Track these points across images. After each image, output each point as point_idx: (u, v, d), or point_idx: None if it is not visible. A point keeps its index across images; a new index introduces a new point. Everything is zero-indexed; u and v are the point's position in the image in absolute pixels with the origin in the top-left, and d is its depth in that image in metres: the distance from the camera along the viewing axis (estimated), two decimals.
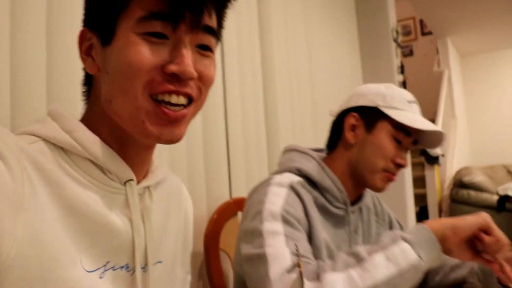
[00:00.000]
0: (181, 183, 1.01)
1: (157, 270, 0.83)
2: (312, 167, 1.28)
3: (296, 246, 1.02)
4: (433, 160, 4.69)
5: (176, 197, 0.96)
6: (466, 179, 4.64)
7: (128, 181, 0.77)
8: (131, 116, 0.72)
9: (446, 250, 1.04)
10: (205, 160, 1.68)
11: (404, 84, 3.76)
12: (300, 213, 1.17)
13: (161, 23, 0.69)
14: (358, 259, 1.00)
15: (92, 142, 0.72)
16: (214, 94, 1.71)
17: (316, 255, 1.16)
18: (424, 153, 4.73)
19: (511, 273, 1.00)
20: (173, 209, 0.93)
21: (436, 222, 1.05)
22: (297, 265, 0.97)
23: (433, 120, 5.41)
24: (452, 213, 4.71)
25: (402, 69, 3.74)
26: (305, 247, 1.10)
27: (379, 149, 1.26)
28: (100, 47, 0.72)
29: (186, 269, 0.99)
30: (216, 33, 0.77)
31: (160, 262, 0.84)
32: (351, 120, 1.31)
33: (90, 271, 0.68)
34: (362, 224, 1.38)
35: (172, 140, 0.74)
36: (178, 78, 0.70)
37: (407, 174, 3.61)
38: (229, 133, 1.83)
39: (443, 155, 4.77)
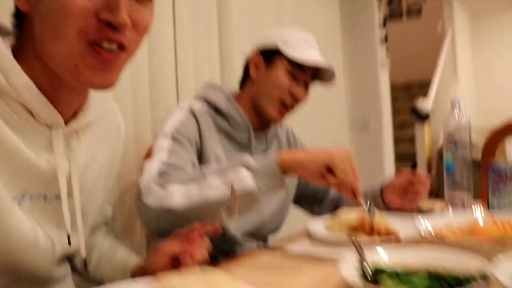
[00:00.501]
0: (116, 113, 1.06)
1: (76, 200, 0.88)
2: (219, 98, 1.47)
3: (168, 156, 1.23)
4: (422, 118, 4.78)
5: (109, 128, 1.01)
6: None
7: (53, 126, 0.80)
8: (64, 60, 0.73)
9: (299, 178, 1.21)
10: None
11: (386, 39, 3.84)
12: (191, 132, 1.35)
13: None
14: (201, 176, 1.12)
15: (24, 86, 0.74)
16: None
17: (207, 164, 1.34)
18: (414, 111, 4.82)
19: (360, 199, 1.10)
20: (104, 142, 0.99)
21: (288, 156, 1.10)
22: (162, 173, 1.17)
23: (430, 81, 5.46)
24: (439, 169, 4.81)
25: (384, 23, 3.81)
26: (184, 159, 1.27)
27: (275, 81, 1.44)
28: None
29: (107, 198, 1.10)
30: None
31: (82, 193, 0.90)
32: (255, 58, 1.51)
33: (5, 198, 0.75)
34: (266, 152, 1.55)
35: (104, 85, 0.78)
36: (112, 25, 0.72)
37: (386, 131, 3.74)
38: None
39: (427, 115, 4.84)
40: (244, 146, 1.48)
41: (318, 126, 3.07)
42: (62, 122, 0.82)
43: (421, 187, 1.44)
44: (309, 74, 1.48)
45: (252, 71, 1.49)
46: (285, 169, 1.09)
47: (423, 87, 6.29)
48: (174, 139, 1.31)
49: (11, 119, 0.74)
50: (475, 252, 0.85)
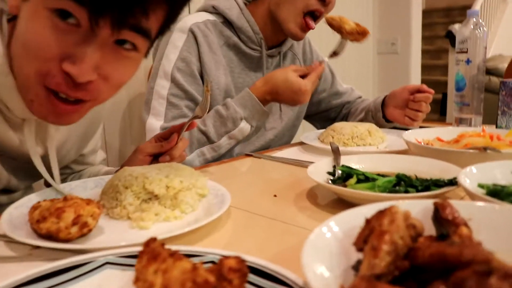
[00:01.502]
0: None
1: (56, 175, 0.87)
2: (229, 6, 1.34)
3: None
4: None
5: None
6: (490, 64, 4.47)
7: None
8: (23, 89, 0.69)
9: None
10: None
11: None
12: (193, 66, 1.27)
13: (77, 7, 0.60)
14: (210, 141, 1.22)
15: (7, 88, 0.71)
16: None
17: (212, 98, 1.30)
18: (449, 36, 4.56)
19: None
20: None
21: (261, 90, 1.24)
22: None
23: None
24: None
25: None
26: (184, 113, 1.24)
27: None
28: None
29: (93, 149, 1.13)
30: (148, 35, 0.67)
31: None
32: None
33: None
34: (280, 68, 1.45)
35: (60, 124, 0.76)
36: (73, 78, 0.63)
37: (414, 56, 3.57)
38: None
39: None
40: (254, 63, 1.39)
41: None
42: (33, 118, 0.78)
43: (423, 104, 1.35)
44: None
45: None
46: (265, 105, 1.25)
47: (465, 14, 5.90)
48: (174, 80, 1.25)
49: None
50: (455, 162, 0.82)
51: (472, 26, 1.37)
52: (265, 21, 1.35)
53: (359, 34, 1.25)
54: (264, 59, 1.39)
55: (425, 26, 3.80)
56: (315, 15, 1.29)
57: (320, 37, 2.09)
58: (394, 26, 3.51)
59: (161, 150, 0.94)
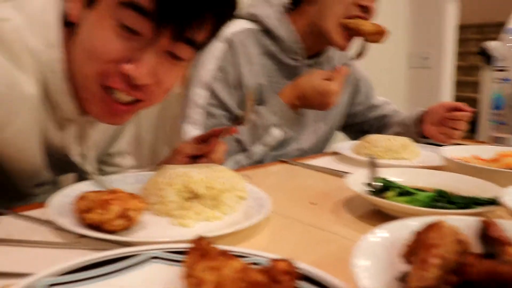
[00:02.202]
0: None
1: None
2: (269, 14, 1.33)
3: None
4: (490, 62, 4.44)
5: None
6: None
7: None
8: (80, 87, 0.74)
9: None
10: None
11: None
12: (230, 76, 1.28)
13: (142, 19, 0.66)
14: (244, 149, 1.23)
15: (62, 91, 0.75)
16: None
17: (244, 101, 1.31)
18: (481, 53, 4.49)
19: None
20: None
21: (289, 96, 1.25)
22: None
23: None
24: None
25: None
26: (221, 123, 1.26)
27: None
28: (82, 5, 0.71)
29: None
30: (197, 46, 0.74)
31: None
32: None
33: None
34: None
35: (110, 124, 0.80)
36: (131, 80, 0.69)
37: (446, 71, 3.52)
38: None
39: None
40: (292, 72, 1.37)
41: (373, 57, 2.95)
42: (76, 114, 0.81)
43: (461, 122, 1.34)
44: None
45: None
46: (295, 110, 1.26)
47: (500, 31, 5.80)
48: (212, 90, 1.27)
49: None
50: (494, 181, 0.81)
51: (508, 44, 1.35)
52: (306, 30, 1.33)
53: (378, 34, 1.25)
54: (302, 68, 1.38)
55: (458, 41, 3.75)
56: None
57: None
58: (427, 40, 3.46)
59: (200, 152, 0.96)
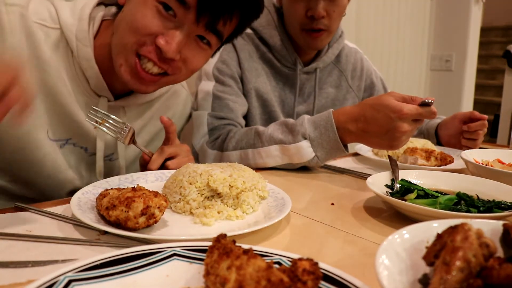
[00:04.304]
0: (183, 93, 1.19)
1: (112, 162, 1.03)
2: (265, 23, 1.34)
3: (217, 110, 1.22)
4: None
5: (173, 104, 1.15)
6: None
7: (102, 96, 0.93)
8: (116, 54, 0.85)
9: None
10: None
11: None
12: (232, 68, 1.29)
13: (179, 5, 0.80)
14: (258, 143, 1.08)
15: (87, 60, 0.87)
16: None
17: (247, 100, 1.31)
18: (506, 56, 4.41)
19: None
20: (165, 113, 1.09)
21: (345, 114, 1.00)
22: (213, 129, 1.20)
23: None
24: None
25: None
26: (230, 107, 1.24)
27: (290, 9, 1.27)
28: None
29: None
30: (222, 37, 0.87)
31: (117, 159, 1.03)
32: None
33: (52, 140, 0.90)
34: (316, 86, 1.43)
35: (137, 91, 0.89)
36: (162, 53, 0.81)
37: (468, 74, 3.47)
38: None
39: None
40: (289, 79, 1.38)
41: (394, 59, 2.93)
42: (110, 95, 0.94)
43: (480, 132, 1.33)
44: None
45: None
46: (347, 140, 1.01)
47: None
48: (217, 79, 1.27)
49: (73, 79, 0.89)
50: None
51: None
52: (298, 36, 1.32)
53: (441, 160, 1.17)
54: (298, 77, 1.38)
55: (481, 44, 3.69)
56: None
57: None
58: (450, 42, 3.42)
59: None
